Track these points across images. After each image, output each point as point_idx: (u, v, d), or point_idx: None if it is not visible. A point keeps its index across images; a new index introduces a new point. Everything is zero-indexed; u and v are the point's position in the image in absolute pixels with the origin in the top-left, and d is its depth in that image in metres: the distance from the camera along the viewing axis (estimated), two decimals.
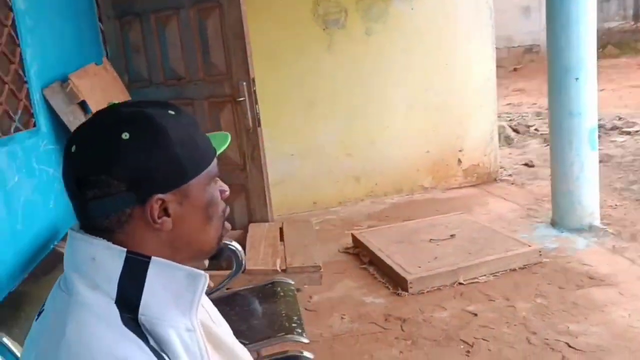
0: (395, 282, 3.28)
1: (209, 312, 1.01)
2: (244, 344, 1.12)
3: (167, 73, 3.42)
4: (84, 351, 0.74)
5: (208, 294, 2.47)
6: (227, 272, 2.57)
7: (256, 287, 2.49)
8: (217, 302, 2.28)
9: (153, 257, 0.81)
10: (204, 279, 0.84)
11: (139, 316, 0.80)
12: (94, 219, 0.81)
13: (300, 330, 2.07)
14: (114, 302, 0.79)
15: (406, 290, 3.16)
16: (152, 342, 0.79)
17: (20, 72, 2.15)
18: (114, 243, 0.81)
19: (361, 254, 3.76)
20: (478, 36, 5.01)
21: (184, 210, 0.84)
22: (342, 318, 3.01)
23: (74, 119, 2.36)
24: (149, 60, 3.43)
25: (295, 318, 2.16)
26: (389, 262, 3.38)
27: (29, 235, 1.92)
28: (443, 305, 3.00)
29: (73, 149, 0.81)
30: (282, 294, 2.36)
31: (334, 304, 3.15)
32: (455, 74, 5.01)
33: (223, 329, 1.04)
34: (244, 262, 2.48)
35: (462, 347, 2.62)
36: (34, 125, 2.22)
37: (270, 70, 4.51)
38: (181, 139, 0.82)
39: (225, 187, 0.93)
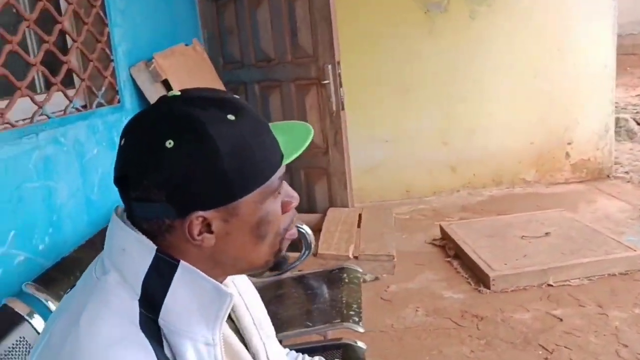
0: (478, 277, 3.12)
1: (250, 310, 0.94)
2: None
3: (257, 55, 3.48)
4: (86, 346, 0.68)
5: (278, 274, 2.50)
6: (297, 254, 2.59)
7: (324, 271, 2.47)
8: (283, 283, 2.30)
9: (182, 262, 0.75)
10: (230, 299, 0.76)
11: (159, 320, 0.73)
12: (137, 218, 0.75)
13: (357, 319, 2.02)
14: (137, 299, 0.73)
15: (488, 287, 2.99)
16: (166, 350, 0.73)
17: (107, 51, 2.27)
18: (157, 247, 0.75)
19: (447, 247, 3.61)
20: (596, 18, 4.60)
21: (229, 228, 0.76)
22: (416, 310, 2.91)
23: (157, 97, 2.46)
24: (242, 42, 3.50)
25: (355, 306, 2.11)
26: (473, 256, 3.22)
27: (103, 206, 2.03)
28: (526, 306, 2.80)
29: (122, 142, 0.75)
30: (347, 280, 2.32)
31: (411, 296, 3.06)
32: (567, 60, 4.64)
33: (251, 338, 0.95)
34: (313, 245, 2.47)
35: (540, 352, 2.43)
36: (118, 102, 2.34)
37: (366, 54, 4.45)
38: (233, 151, 0.72)
39: (292, 198, 0.83)
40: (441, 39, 4.64)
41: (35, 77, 1.97)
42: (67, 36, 2.02)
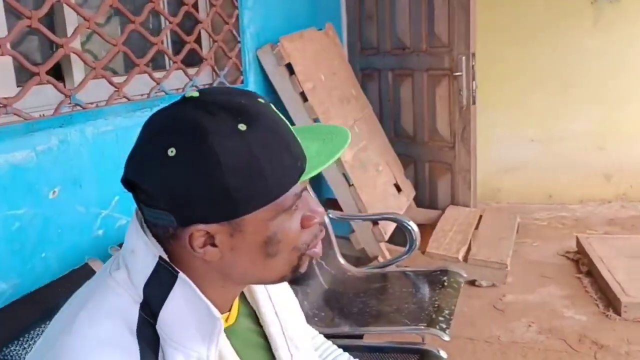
0: (608, 301, 2.80)
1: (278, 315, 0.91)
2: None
3: (394, 42, 3.41)
4: (73, 345, 0.68)
5: (380, 267, 2.46)
6: (402, 249, 2.52)
7: (425, 270, 2.38)
8: (381, 277, 2.26)
9: (181, 274, 0.71)
10: (219, 325, 0.73)
11: (157, 327, 0.71)
12: (147, 221, 0.73)
13: (444, 326, 1.92)
14: (139, 302, 0.72)
15: (618, 313, 2.68)
16: (160, 358, 0.71)
17: (235, 33, 2.37)
18: (166, 252, 0.72)
19: (580, 262, 3.29)
20: None
21: (235, 243, 0.71)
22: (529, 325, 2.70)
23: (280, 79, 2.53)
24: (379, 28, 3.46)
25: (447, 312, 2.01)
26: (606, 275, 2.90)
27: None
28: None
29: (138, 140, 0.72)
30: (446, 283, 2.21)
31: (527, 309, 2.84)
32: None
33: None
34: (417, 242, 2.39)
35: None
36: (242, 82, 2.44)
37: (518, 46, 4.17)
38: (238, 166, 0.67)
39: (316, 213, 0.76)
40: (609, 32, 4.18)
41: (166, 57, 2.11)
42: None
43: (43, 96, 1.53)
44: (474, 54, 2.98)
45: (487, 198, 4.36)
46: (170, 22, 1.95)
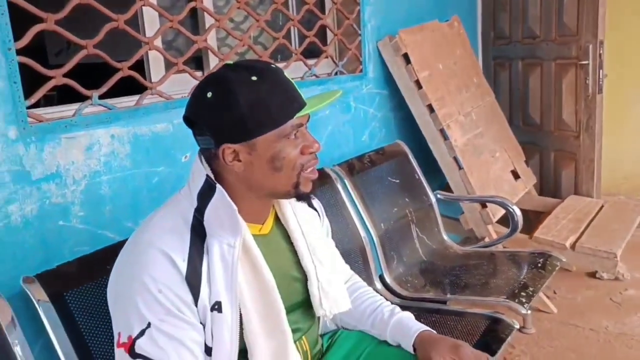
0: None
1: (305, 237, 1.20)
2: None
3: (525, 32, 3.43)
4: (146, 231, 1.04)
5: (481, 246, 2.60)
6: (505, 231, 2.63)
7: (525, 252, 2.46)
8: (480, 255, 2.42)
9: (218, 186, 1.03)
10: (242, 224, 1.04)
11: (204, 223, 1.04)
12: (200, 149, 1.08)
13: (524, 300, 2.03)
14: (194, 207, 1.05)
15: None
16: (204, 245, 1.02)
17: (355, 27, 2.64)
18: (214, 173, 1.05)
19: None
20: None
21: (252, 159, 1.04)
22: None
23: (397, 68, 2.75)
24: (512, 18, 3.49)
25: (531, 289, 2.11)
26: None
27: (326, 161, 2.41)
28: None
29: (192, 92, 1.08)
30: (540, 265, 2.29)
31: None
32: None
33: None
34: (519, 226, 2.49)
35: None
36: (361, 71, 2.71)
37: None
38: (250, 102, 0.99)
39: (312, 144, 1.07)
40: None
41: (293, 48, 2.45)
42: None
43: (183, 82, 1.94)
44: (602, 42, 2.91)
45: (636, 194, 4.13)
46: (292, 20, 2.29)
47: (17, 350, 1.21)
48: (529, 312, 2.37)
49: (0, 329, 1.21)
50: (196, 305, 1.00)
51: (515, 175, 3.07)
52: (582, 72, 3.03)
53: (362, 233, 2.21)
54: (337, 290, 1.23)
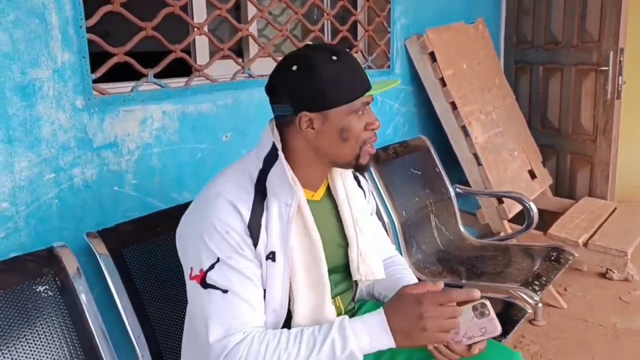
0: None
1: (351, 207, 1.32)
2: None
3: (547, 37, 3.54)
4: (217, 181, 1.20)
5: (501, 239, 2.71)
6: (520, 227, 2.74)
7: (539, 246, 2.58)
8: (496, 247, 2.52)
9: (280, 155, 1.17)
10: (297, 188, 1.18)
11: (266, 183, 1.18)
12: (275, 116, 1.23)
13: (537, 288, 2.14)
14: (259, 169, 1.19)
15: None
16: (265, 201, 1.17)
17: (385, 24, 2.77)
18: (281, 137, 1.20)
19: None
20: None
21: (324, 128, 1.17)
22: None
23: (423, 66, 2.87)
24: (535, 23, 3.60)
25: (544, 279, 2.22)
26: None
27: None
28: None
29: (277, 65, 1.22)
30: (553, 258, 2.40)
31: None
32: None
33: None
34: (534, 221, 2.60)
35: None
36: (388, 67, 2.83)
37: None
38: (329, 78, 1.13)
39: (374, 122, 1.20)
40: None
41: (327, 41, 2.58)
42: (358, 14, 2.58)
43: (227, 67, 2.08)
44: (622, 50, 3.02)
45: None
46: (327, 14, 2.42)
47: (82, 297, 1.35)
48: (540, 304, 2.50)
49: (68, 278, 1.35)
50: (255, 250, 1.14)
51: (532, 175, 3.18)
52: (601, 78, 3.14)
53: (385, 219, 2.34)
54: (374, 259, 1.35)
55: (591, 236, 2.79)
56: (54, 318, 1.29)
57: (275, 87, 1.20)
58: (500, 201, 2.83)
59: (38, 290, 1.29)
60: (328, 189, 1.33)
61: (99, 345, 1.34)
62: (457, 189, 2.80)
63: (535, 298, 2.12)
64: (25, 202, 1.44)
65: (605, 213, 3.02)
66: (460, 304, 1.13)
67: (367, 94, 1.18)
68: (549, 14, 3.49)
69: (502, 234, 2.84)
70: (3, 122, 1.39)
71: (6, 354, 1.21)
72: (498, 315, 1.98)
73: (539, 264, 2.37)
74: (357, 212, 1.34)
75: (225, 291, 1.11)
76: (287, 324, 1.21)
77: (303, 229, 1.22)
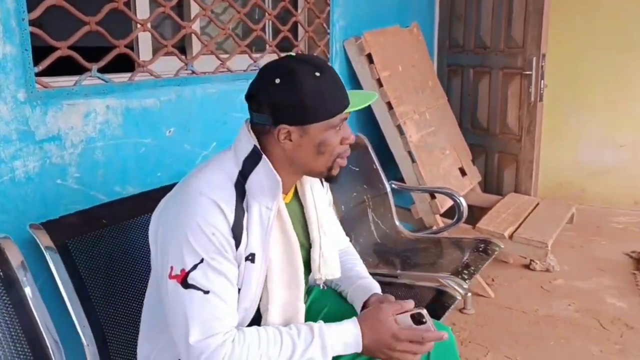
0: None
1: (317, 212, 1.37)
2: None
3: (477, 42, 3.74)
4: (195, 182, 1.19)
5: (434, 232, 2.84)
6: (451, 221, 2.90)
7: (467, 239, 2.74)
8: (430, 240, 2.65)
9: (264, 156, 1.19)
10: (280, 190, 1.20)
11: (246, 185, 1.19)
12: (253, 123, 1.23)
13: (466, 277, 2.28)
14: (238, 170, 1.20)
15: None
16: (244, 203, 1.18)
17: (325, 26, 2.86)
18: (259, 144, 1.20)
19: None
20: None
21: (302, 141, 1.19)
22: (569, 305, 2.95)
23: (361, 67, 2.98)
24: (466, 28, 3.80)
25: (472, 269, 2.36)
26: None
27: None
28: None
29: (257, 74, 1.22)
30: (481, 250, 2.56)
31: (573, 293, 3.08)
32: None
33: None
34: (464, 215, 2.76)
35: None
36: None
37: (616, 51, 4.29)
38: (312, 93, 1.15)
39: (349, 136, 1.24)
40: None
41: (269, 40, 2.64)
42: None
43: (170, 63, 2.11)
44: (544, 55, 3.24)
45: (571, 199, 4.52)
46: (269, 14, 2.48)
47: (27, 289, 1.36)
48: (470, 294, 2.65)
49: (11, 269, 1.36)
50: (236, 251, 1.17)
51: (462, 172, 3.36)
52: (525, 81, 3.36)
53: None
54: (334, 260, 1.41)
55: (516, 229, 2.99)
56: None
57: (256, 97, 1.21)
58: (433, 197, 2.98)
59: None
60: (296, 191, 1.38)
61: (44, 335, 1.36)
62: (393, 185, 2.93)
63: (465, 286, 2.26)
64: None
65: (529, 208, 3.23)
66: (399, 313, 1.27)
67: (347, 110, 1.21)
68: (479, 20, 3.69)
69: (434, 228, 2.99)
70: None
71: None
72: (431, 302, 2.11)
73: (468, 255, 2.52)
74: (322, 215, 1.39)
75: (206, 292, 1.13)
76: (255, 320, 1.26)
77: (281, 232, 1.26)
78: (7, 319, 1.32)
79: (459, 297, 2.16)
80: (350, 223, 2.59)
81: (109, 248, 1.55)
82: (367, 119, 3.15)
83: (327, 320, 1.27)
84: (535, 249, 2.86)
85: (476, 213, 3.36)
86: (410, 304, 1.31)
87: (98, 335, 1.46)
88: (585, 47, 4.37)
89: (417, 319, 1.25)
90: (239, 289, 1.20)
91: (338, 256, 1.45)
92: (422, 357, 1.31)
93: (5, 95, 1.51)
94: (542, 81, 3.28)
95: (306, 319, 1.42)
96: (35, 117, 1.58)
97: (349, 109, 1.22)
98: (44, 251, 1.43)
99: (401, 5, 3.50)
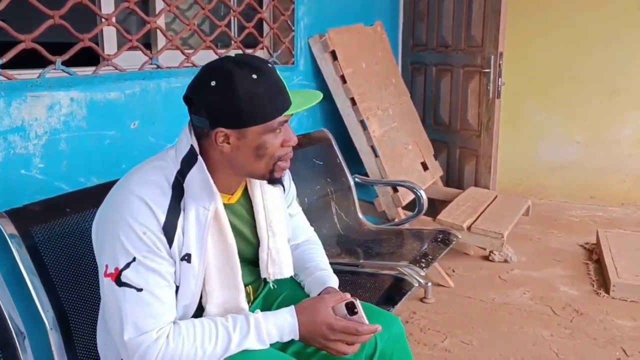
0: (603, 282, 3.13)
1: (266, 211, 1.39)
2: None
3: (439, 41, 3.86)
4: (130, 179, 1.22)
5: (396, 224, 2.93)
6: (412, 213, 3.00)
7: (427, 230, 2.84)
8: (391, 232, 2.73)
9: (199, 158, 1.19)
10: (216, 192, 1.22)
11: (184, 185, 1.20)
12: (193, 125, 1.22)
13: (423, 266, 2.38)
14: (177, 169, 1.21)
15: (607, 292, 3.00)
16: (181, 203, 1.20)
17: (289, 23, 2.93)
18: (199, 145, 1.21)
19: (594, 251, 3.59)
20: None
21: (239, 144, 1.19)
22: (524, 293, 3.07)
23: (325, 64, 3.06)
24: (429, 28, 3.91)
25: (430, 258, 2.47)
26: (608, 261, 3.21)
27: None
28: (635, 317, 2.78)
29: (196, 75, 1.20)
30: (439, 240, 2.66)
31: (528, 282, 3.21)
32: None
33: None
34: (424, 207, 2.86)
35: (617, 354, 2.48)
36: (292, 64, 3.00)
37: (570, 53, 4.46)
38: (249, 96, 1.14)
39: (291, 139, 1.23)
40: None
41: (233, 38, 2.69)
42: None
43: (135, 58, 2.15)
44: (501, 54, 3.37)
45: (531, 194, 4.69)
46: (234, 11, 2.54)
47: None
48: (430, 284, 2.76)
49: None
50: (170, 249, 1.20)
51: (425, 167, 3.47)
52: (484, 79, 3.48)
53: None
54: (284, 259, 1.43)
55: (474, 221, 3.10)
56: None
57: (193, 100, 1.20)
58: (395, 190, 3.08)
59: None
60: (246, 190, 1.39)
61: (7, 319, 1.39)
62: (356, 179, 3.02)
63: (422, 274, 2.36)
64: None
65: (487, 201, 3.35)
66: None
67: (287, 112, 1.20)
68: (440, 19, 3.80)
69: (396, 220, 3.09)
70: None
71: None
72: (389, 288, 2.20)
73: (427, 245, 2.62)
74: (271, 214, 1.40)
75: (139, 290, 1.15)
76: (198, 312, 1.28)
77: (218, 233, 1.27)
78: None
79: (416, 284, 2.26)
80: (313, 215, 2.65)
81: (71, 236, 1.59)
82: (331, 114, 3.22)
83: (282, 307, 1.32)
84: (492, 239, 2.98)
85: (438, 205, 3.47)
86: (347, 295, 1.36)
87: (61, 320, 1.50)
88: (544, 47, 4.53)
89: (350, 308, 1.30)
90: (177, 287, 1.22)
91: (290, 255, 1.46)
92: (370, 344, 1.37)
93: None
94: (500, 79, 3.41)
95: (262, 306, 1.49)
96: None
97: (291, 111, 1.21)
98: (7, 239, 1.47)
99: (365, 4, 3.59)
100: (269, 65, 1.23)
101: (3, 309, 1.41)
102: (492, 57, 3.38)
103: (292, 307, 1.31)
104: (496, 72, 3.38)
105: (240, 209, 1.38)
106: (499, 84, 3.41)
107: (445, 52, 3.81)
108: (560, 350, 2.50)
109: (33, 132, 1.71)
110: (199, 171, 1.21)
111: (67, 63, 1.83)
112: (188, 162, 1.22)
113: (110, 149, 1.97)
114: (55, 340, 1.49)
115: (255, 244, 1.40)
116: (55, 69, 1.79)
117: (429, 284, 2.90)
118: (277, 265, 1.41)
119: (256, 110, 1.16)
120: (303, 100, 1.25)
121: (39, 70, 1.76)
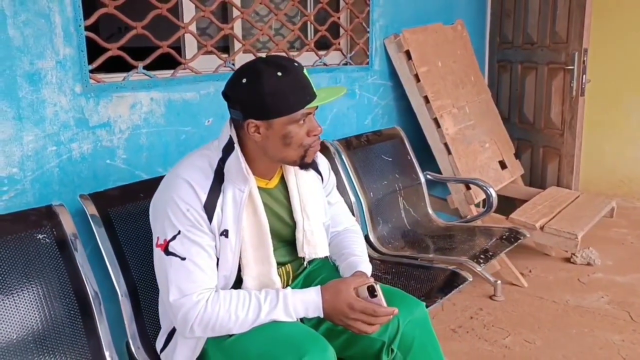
0: None
1: (300, 196, 1.56)
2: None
3: (525, 38, 3.79)
4: (179, 165, 1.45)
5: (466, 222, 2.97)
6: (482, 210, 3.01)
7: (495, 227, 2.85)
8: (460, 228, 2.79)
9: (236, 147, 1.39)
10: (251, 177, 1.42)
11: (224, 170, 1.41)
12: (232, 118, 1.44)
13: (481, 261, 2.41)
14: (219, 157, 1.42)
15: None
16: (222, 185, 1.40)
17: (364, 25, 3.05)
18: (237, 136, 1.42)
19: None
20: None
21: (268, 134, 1.38)
22: (601, 297, 2.97)
23: (400, 64, 3.14)
24: (515, 25, 3.85)
25: (490, 254, 2.49)
26: None
27: (330, 137, 2.83)
28: None
29: (232, 75, 1.42)
30: (505, 237, 2.67)
31: (609, 286, 3.10)
32: None
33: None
34: (494, 205, 2.86)
35: None
36: (367, 64, 3.11)
37: None
38: (273, 92, 1.32)
39: (316, 129, 1.41)
40: None
41: (306, 41, 2.87)
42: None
43: (212, 61, 2.38)
44: (586, 50, 3.25)
45: (634, 196, 4.44)
46: (306, 15, 2.71)
47: (74, 246, 1.67)
48: (499, 282, 2.77)
49: (63, 230, 1.67)
50: (210, 225, 1.39)
51: (503, 165, 3.44)
52: (568, 76, 3.38)
53: (352, 199, 2.62)
54: (319, 240, 1.59)
55: (548, 221, 3.05)
56: (49, 260, 1.61)
57: (228, 96, 1.41)
58: (468, 187, 3.10)
59: (38, 237, 1.61)
60: (283, 176, 1.57)
61: (85, 282, 1.65)
62: (428, 176, 3.08)
63: (478, 268, 2.39)
64: (31, 169, 1.76)
65: (567, 201, 3.26)
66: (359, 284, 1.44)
67: (310, 105, 1.36)
68: (526, 16, 3.73)
69: (468, 217, 3.11)
70: (14, 103, 1.71)
71: (15, 286, 1.53)
72: (443, 281, 2.27)
73: (491, 242, 2.63)
74: (305, 199, 1.57)
75: (183, 259, 1.35)
76: (237, 284, 1.47)
77: (253, 213, 1.45)
78: (56, 267, 1.62)
79: (470, 279, 2.29)
80: (379, 208, 2.77)
81: (143, 217, 1.82)
82: (406, 113, 3.30)
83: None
84: (565, 240, 2.91)
85: (518, 205, 3.43)
86: (371, 279, 1.50)
87: (131, 290, 1.74)
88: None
89: (371, 291, 1.42)
90: (218, 259, 1.41)
91: (325, 237, 1.62)
92: (392, 326, 1.47)
93: (65, 89, 1.83)
94: (584, 76, 3.30)
95: (303, 284, 1.65)
96: (89, 107, 1.89)
97: (314, 104, 1.37)
98: (89, 218, 1.73)
99: (446, 3, 3.62)
100: (295, 64, 1.39)
101: (84, 276, 1.67)
102: (577, 53, 3.28)
103: (318, 287, 1.45)
104: (580, 69, 3.27)
105: (278, 194, 1.56)
106: (583, 81, 3.30)
107: (531, 49, 3.74)
108: (629, 356, 2.43)
109: (117, 128, 1.98)
110: (235, 158, 1.40)
111: (150, 67, 2.09)
112: (227, 151, 1.42)
113: (186, 143, 2.21)
114: (126, 306, 1.73)
115: (293, 226, 1.57)
116: (137, 72, 2.05)
117: (499, 282, 2.89)
118: (312, 245, 1.58)
119: (280, 104, 1.34)
120: (326, 95, 1.41)
121: (124, 74, 2.03)
